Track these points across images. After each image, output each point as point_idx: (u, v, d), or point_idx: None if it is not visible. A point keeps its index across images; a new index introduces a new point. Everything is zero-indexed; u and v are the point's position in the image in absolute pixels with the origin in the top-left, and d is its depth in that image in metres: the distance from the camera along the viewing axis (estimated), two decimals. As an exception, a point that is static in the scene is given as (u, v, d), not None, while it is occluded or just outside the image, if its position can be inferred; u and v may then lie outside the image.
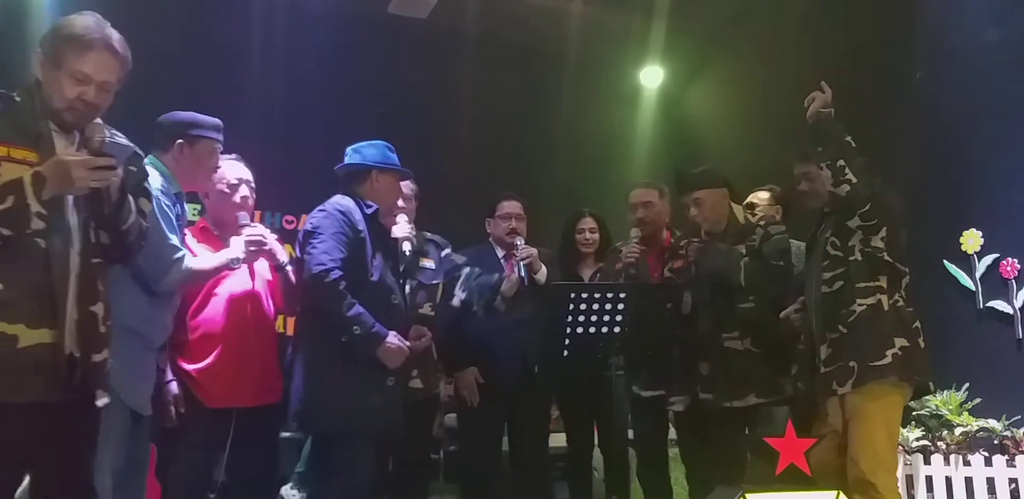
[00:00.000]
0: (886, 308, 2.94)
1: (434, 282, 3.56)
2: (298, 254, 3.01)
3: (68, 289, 2.03)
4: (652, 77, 6.62)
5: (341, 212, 2.95)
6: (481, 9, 5.68)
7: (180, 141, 2.83)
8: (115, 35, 2.13)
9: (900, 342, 2.89)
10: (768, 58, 5.84)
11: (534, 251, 3.72)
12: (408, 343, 2.99)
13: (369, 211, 3.02)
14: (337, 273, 2.82)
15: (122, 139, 2.17)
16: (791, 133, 5.54)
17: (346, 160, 3.16)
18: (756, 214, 3.80)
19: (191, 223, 3.13)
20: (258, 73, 5.35)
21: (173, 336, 2.85)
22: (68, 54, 2.06)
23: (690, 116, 6.72)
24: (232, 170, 3.06)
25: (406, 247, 3.28)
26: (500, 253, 3.89)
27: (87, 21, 2.12)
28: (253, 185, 3.11)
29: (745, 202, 3.94)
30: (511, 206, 3.88)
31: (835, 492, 2.67)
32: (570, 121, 6.27)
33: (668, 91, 6.67)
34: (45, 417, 2.01)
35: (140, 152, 2.26)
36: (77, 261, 2.07)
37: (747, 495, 2.46)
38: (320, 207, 3.02)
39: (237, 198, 3.03)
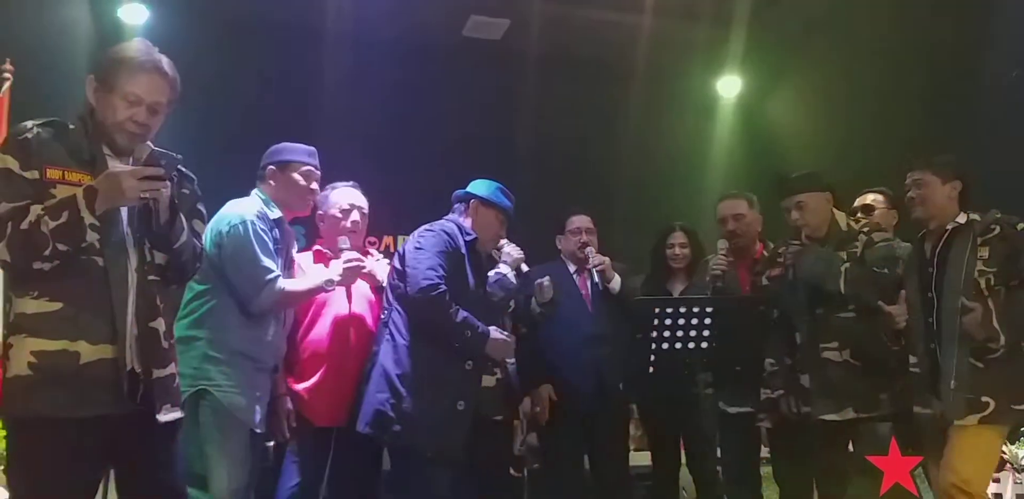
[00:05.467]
0: None
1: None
2: (397, 266, 3.13)
3: (127, 305, 2.08)
4: (730, 87, 6.51)
5: (446, 233, 3.14)
6: (554, 27, 5.70)
7: (272, 167, 3.01)
8: (164, 58, 2.20)
9: None
10: (850, 63, 5.67)
11: (606, 259, 3.70)
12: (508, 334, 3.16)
13: (468, 238, 3.19)
14: (443, 287, 2.99)
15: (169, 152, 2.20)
16: (875, 140, 5.44)
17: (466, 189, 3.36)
18: (872, 218, 3.66)
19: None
20: (335, 100, 5.47)
21: (287, 357, 3.02)
22: (120, 77, 2.13)
23: (770, 125, 6.58)
24: (346, 196, 3.24)
25: (524, 268, 3.46)
26: (572, 269, 3.88)
27: (137, 45, 2.20)
28: (366, 211, 3.27)
29: (859, 204, 3.81)
30: (580, 220, 3.88)
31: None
32: (649, 133, 6.22)
33: (747, 100, 6.55)
34: (111, 430, 2.05)
35: (191, 175, 2.31)
36: (135, 278, 2.11)
37: (849, 515, 2.38)
38: (428, 227, 3.19)
39: (348, 223, 3.20)
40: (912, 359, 3.02)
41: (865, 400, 3.13)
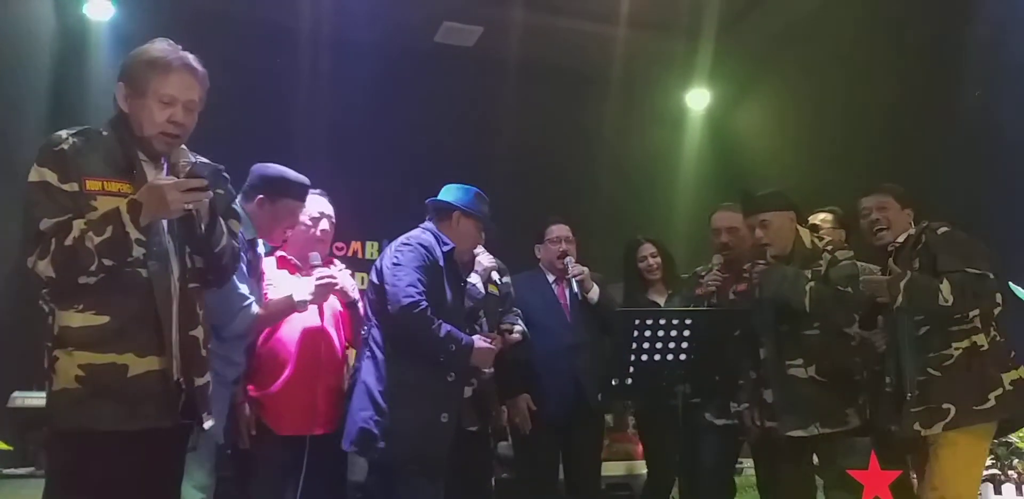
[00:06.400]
0: (986, 347, 2.91)
1: (499, 309, 3.57)
2: (374, 281, 3.08)
3: (172, 316, 2.05)
4: (699, 99, 6.57)
5: (423, 246, 3.08)
6: (527, 35, 5.70)
7: (262, 196, 2.95)
8: (190, 55, 2.16)
9: (1010, 377, 2.87)
10: (818, 79, 5.77)
11: (586, 269, 3.70)
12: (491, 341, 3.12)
13: (445, 248, 3.13)
14: (424, 303, 2.94)
15: (206, 160, 2.18)
16: (842, 155, 5.52)
17: (439, 196, 3.27)
18: (821, 237, 3.70)
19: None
20: (306, 104, 5.41)
21: (249, 364, 2.95)
22: (151, 79, 2.09)
23: (738, 138, 6.65)
24: (314, 204, 3.17)
25: (495, 276, 3.41)
26: (551, 278, 3.87)
27: (162, 45, 2.16)
28: (334, 220, 3.22)
29: (809, 224, 3.85)
30: (560, 229, 3.87)
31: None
32: (617, 145, 6.25)
33: (715, 113, 6.62)
34: (158, 442, 2.03)
35: (226, 174, 2.26)
36: (177, 287, 2.09)
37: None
38: (404, 240, 3.13)
39: (317, 232, 3.16)
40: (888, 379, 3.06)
41: (831, 415, 3.17)
